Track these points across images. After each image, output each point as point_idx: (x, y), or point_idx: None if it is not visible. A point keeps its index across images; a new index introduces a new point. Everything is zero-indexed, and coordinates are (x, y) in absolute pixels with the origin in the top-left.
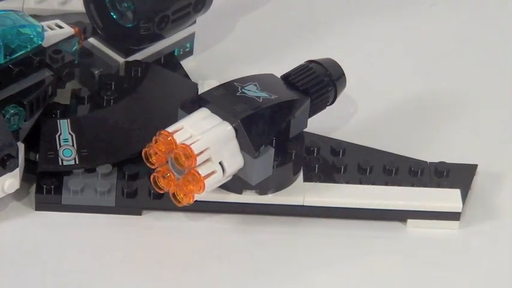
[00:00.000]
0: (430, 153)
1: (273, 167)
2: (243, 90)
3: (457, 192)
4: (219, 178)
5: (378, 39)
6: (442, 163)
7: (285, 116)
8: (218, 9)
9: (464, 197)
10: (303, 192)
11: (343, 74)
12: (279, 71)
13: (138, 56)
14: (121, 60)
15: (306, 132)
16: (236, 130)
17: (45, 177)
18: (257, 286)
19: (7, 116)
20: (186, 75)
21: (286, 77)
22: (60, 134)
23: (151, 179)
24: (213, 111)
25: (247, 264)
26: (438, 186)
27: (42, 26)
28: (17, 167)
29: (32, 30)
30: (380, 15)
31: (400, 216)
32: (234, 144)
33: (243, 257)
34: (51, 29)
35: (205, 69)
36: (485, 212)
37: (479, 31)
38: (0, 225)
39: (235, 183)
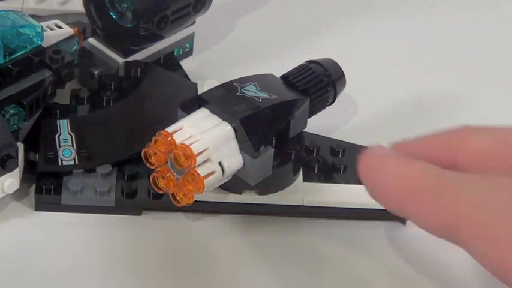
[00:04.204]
0: None
1: (273, 167)
2: (242, 90)
3: None
4: (218, 178)
5: (377, 39)
6: None
7: (285, 116)
8: (218, 9)
9: None
10: (303, 192)
11: (343, 74)
12: (279, 71)
13: (137, 56)
14: (121, 60)
15: (305, 132)
16: (236, 130)
17: (45, 178)
18: (257, 286)
19: (7, 116)
20: (186, 76)
21: (285, 77)
22: (60, 134)
23: (150, 179)
24: (213, 111)
25: (247, 264)
26: None
27: (42, 26)
28: (17, 167)
29: (32, 31)
30: (380, 15)
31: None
32: (234, 144)
33: (242, 257)
34: (51, 29)
35: (205, 70)
36: None
37: (478, 31)
38: (0, 225)
39: (234, 184)
